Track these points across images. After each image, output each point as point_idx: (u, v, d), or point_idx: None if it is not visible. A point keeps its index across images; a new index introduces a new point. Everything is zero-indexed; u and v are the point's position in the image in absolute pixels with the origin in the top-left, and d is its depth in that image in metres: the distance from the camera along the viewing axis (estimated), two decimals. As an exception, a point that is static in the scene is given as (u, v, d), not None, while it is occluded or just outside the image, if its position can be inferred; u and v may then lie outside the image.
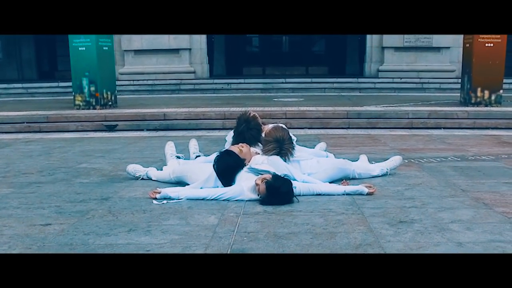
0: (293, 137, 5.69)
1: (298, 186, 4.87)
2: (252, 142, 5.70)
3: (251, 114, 5.82)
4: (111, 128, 10.58)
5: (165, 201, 4.77)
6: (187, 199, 4.83)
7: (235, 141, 5.73)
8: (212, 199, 4.81)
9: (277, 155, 5.26)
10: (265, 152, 5.32)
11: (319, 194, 4.95)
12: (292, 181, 4.83)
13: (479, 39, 11.89)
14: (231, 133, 6.02)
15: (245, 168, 5.00)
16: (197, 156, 6.26)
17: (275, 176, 4.71)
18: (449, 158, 6.94)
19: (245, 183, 4.82)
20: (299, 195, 4.82)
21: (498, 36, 11.82)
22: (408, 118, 10.83)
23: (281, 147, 5.28)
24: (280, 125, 5.59)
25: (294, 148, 5.41)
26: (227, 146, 6.00)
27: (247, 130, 5.70)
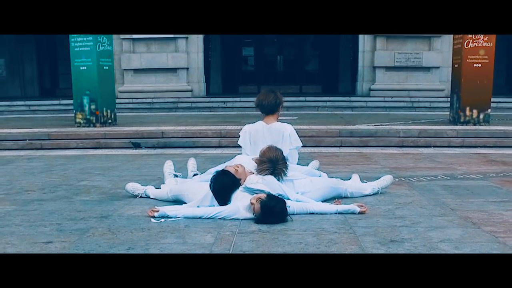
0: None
1: (292, 205, 4.88)
2: (267, 111, 6.23)
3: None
4: (137, 146, 10.58)
5: (163, 220, 4.78)
6: (184, 217, 4.84)
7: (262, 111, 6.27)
8: (208, 218, 4.82)
9: (271, 174, 5.30)
10: (259, 171, 5.35)
11: (312, 213, 4.96)
12: (286, 200, 4.85)
13: (467, 60, 11.96)
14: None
15: (240, 188, 5.02)
16: (194, 175, 6.29)
17: (269, 196, 4.73)
18: (439, 177, 6.97)
19: (241, 202, 4.83)
20: (293, 214, 4.84)
21: (486, 56, 11.89)
22: (399, 137, 10.87)
23: (275, 167, 5.32)
24: (274, 145, 5.63)
25: (287, 168, 5.44)
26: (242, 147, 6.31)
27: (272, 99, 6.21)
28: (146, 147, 10.56)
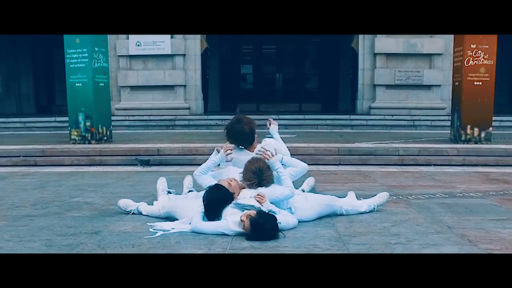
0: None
1: (282, 220, 4.88)
2: (237, 140, 6.17)
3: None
4: (145, 163, 10.53)
5: (159, 233, 4.82)
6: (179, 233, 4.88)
7: (229, 138, 6.21)
8: (200, 233, 4.85)
9: (259, 185, 5.37)
10: (248, 185, 5.40)
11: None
12: (276, 216, 4.84)
13: (467, 78, 11.95)
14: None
15: (231, 204, 5.03)
16: (189, 191, 6.30)
17: (259, 212, 4.73)
18: (437, 195, 6.96)
19: (230, 218, 4.85)
20: (287, 229, 4.84)
21: (487, 74, 11.88)
22: (399, 155, 10.85)
23: (260, 177, 5.40)
24: (256, 156, 5.64)
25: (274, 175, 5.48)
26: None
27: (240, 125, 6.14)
28: (141, 164, 10.52)
